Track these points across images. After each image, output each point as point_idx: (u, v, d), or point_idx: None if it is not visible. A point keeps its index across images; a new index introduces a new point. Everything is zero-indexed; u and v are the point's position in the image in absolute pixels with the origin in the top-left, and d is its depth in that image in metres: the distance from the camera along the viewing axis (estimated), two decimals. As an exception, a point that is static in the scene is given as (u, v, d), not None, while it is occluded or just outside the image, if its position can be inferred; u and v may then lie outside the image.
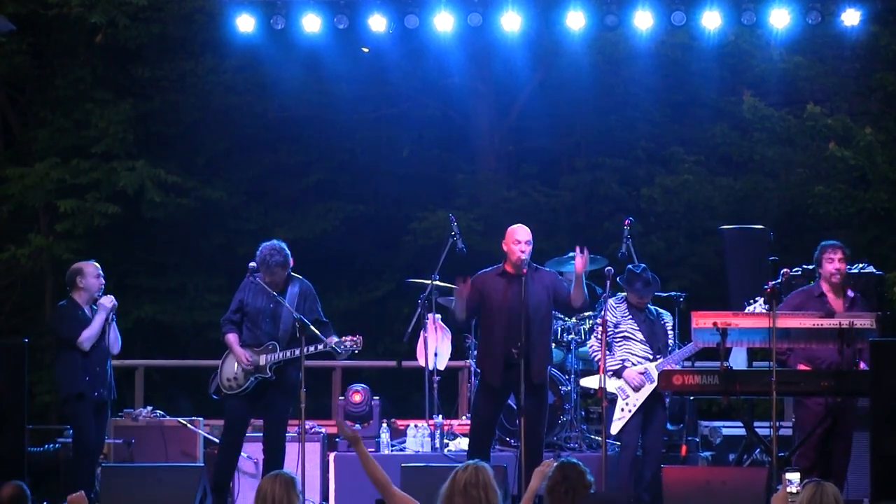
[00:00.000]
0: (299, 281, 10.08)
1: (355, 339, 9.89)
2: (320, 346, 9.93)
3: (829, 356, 9.29)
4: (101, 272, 10.18)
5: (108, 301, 10.08)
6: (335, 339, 9.89)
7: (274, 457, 9.94)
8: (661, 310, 10.39)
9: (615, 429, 10.06)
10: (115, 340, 10.14)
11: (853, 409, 9.37)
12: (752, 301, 9.71)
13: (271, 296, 9.92)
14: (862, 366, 9.12)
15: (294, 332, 9.80)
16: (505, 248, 9.76)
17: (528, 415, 9.50)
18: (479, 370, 10.19)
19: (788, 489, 6.37)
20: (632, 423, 10.04)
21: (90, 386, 9.99)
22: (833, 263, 9.43)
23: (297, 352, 9.79)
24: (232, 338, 10.03)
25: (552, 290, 9.72)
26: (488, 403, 9.85)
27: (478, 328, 10.28)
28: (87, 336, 9.97)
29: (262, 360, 9.90)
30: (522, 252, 9.61)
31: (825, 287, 9.47)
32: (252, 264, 9.96)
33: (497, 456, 10.50)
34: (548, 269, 10.14)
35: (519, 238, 9.69)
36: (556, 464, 6.65)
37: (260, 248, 9.99)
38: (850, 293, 9.53)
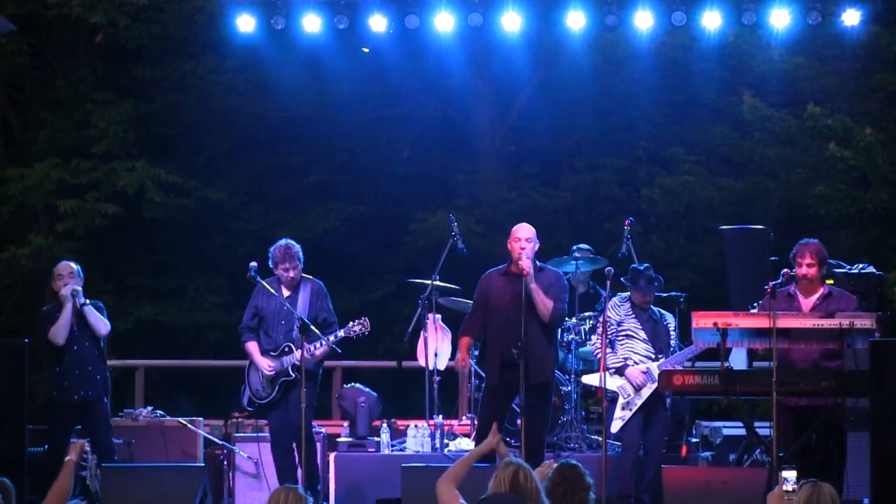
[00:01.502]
0: (311, 280, 10.20)
1: (362, 321, 9.99)
2: (331, 339, 9.97)
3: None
4: (64, 272, 10.14)
5: (67, 290, 10.04)
6: (341, 331, 9.97)
7: (305, 448, 9.97)
8: (664, 311, 10.38)
9: (615, 427, 10.06)
10: (96, 322, 10.11)
11: (840, 410, 9.28)
12: (756, 304, 9.70)
13: (283, 296, 10.02)
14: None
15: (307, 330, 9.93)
16: (508, 247, 9.79)
17: (528, 415, 9.51)
18: (480, 369, 10.17)
19: (784, 487, 6.36)
20: (633, 423, 10.03)
21: (68, 391, 10.03)
22: (801, 268, 9.34)
23: (312, 348, 9.89)
24: (252, 346, 10.13)
25: (550, 291, 9.71)
26: (490, 403, 9.86)
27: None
28: (54, 330, 9.99)
29: (284, 362, 9.96)
30: (522, 249, 9.62)
31: (796, 286, 9.41)
32: (253, 263, 9.98)
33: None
34: (553, 268, 10.10)
35: (519, 235, 9.71)
36: (555, 465, 6.63)
37: (274, 248, 10.09)
38: (825, 289, 9.43)
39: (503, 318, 9.66)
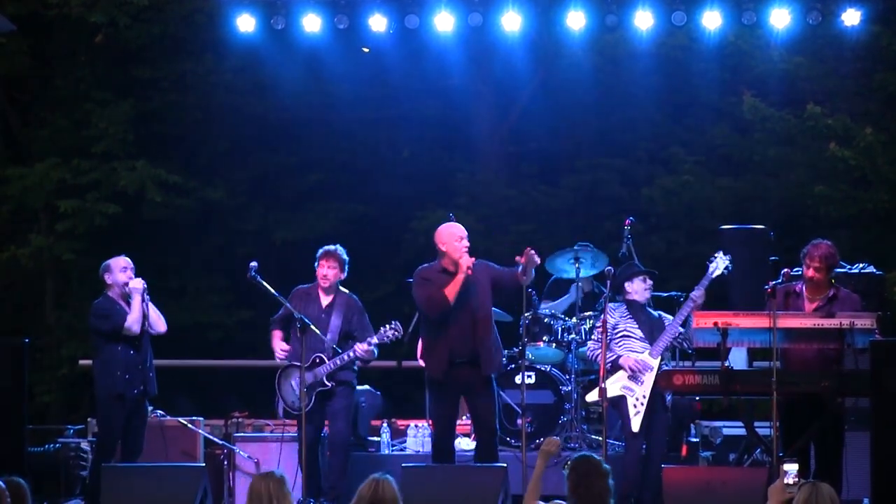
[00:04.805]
0: (347, 294, 10.23)
1: (395, 326, 10.01)
2: (365, 347, 10.00)
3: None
4: (128, 266, 10.09)
5: (139, 283, 9.99)
6: (374, 337, 10.00)
7: (337, 456, 10.03)
8: (663, 314, 10.36)
9: (636, 426, 9.91)
10: (157, 319, 10.11)
11: (839, 410, 9.28)
12: (713, 258, 9.82)
13: (321, 307, 10.07)
14: None
15: (340, 342, 9.99)
16: (443, 247, 9.70)
17: (481, 410, 9.67)
18: (427, 370, 9.96)
19: (786, 480, 6.34)
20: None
21: (129, 384, 9.96)
22: (809, 270, 9.33)
23: (345, 357, 9.94)
24: (274, 332, 10.19)
25: (492, 280, 9.70)
26: (443, 404, 9.82)
27: (420, 325, 10.07)
28: (133, 320, 9.90)
29: (318, 373, 9.96)
30: (466, 248, 9.63)
31: (804, 285, 9.38)
32: (253, 263, 9.97)
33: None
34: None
35: (462, 234, 9.70)
36: (570, 462, 6.54)
37: (327, 249, 10.14)
38: (831, 291, 9.39)
39: (452, 318, 9.61)
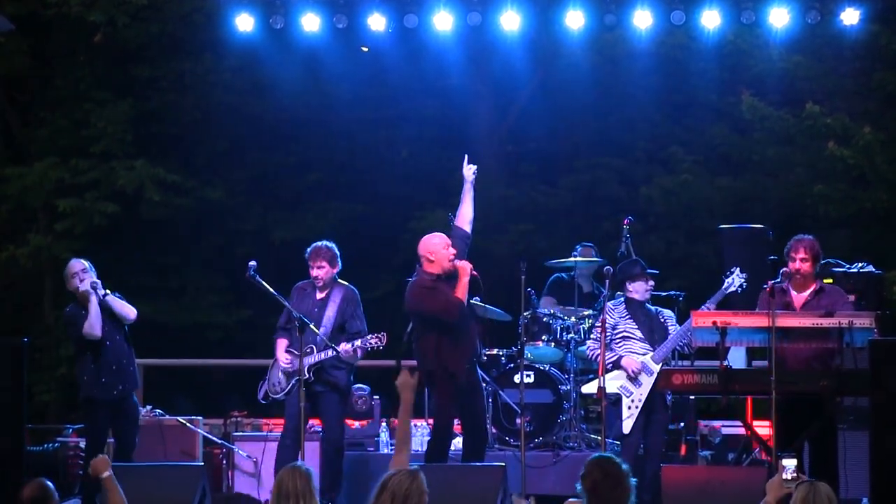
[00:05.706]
0: (344, 286, 10.19)
1: (379, 336, 9.94)
2: (349, 349, 9.93)
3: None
4: (77, 270, 10.09)
5: (85, 285, 10.00)
6: (358, 340, 9.93)
7: (330, 458, 10.02)
8: (661, 309, 10.34)
9: (627, 427, 9.93)
10: (121, 309, 10.08)
11: (836, 409, 9.29)
12: (730, 273, 9.85)
13: (315, 300, 10.06)
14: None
15: (333, 334, 9.95)
16: (431, 256, 9.71)
17: (479, 410, 9.90)
18: (446, 372, 9.80)
19: (784, 475, 6.33)
20: (634, 422, 10.00)
21: (105, 387, 9.99)
22: (795, 263, 9.34)
23: (331, 352, 9.90)
24: (279, 342, 10.17)
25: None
26: (454, 405, 9.83)
27: (432, 332, 9.85)
28: (89, 324, 9.93)
29: (302, 362, 9.92)
30: (453, 255, 9.70)
31: (789, 282, 9.39)
32: (252, 263, 9.96)
33: (496, 455, 10.50)
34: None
35: (447, 242, 9.78)
36: (587, 462, 6.48)
37: (314, 248, 10.10)
38: (817, 285, 9.39)
39: (467, 321, 9.75)
